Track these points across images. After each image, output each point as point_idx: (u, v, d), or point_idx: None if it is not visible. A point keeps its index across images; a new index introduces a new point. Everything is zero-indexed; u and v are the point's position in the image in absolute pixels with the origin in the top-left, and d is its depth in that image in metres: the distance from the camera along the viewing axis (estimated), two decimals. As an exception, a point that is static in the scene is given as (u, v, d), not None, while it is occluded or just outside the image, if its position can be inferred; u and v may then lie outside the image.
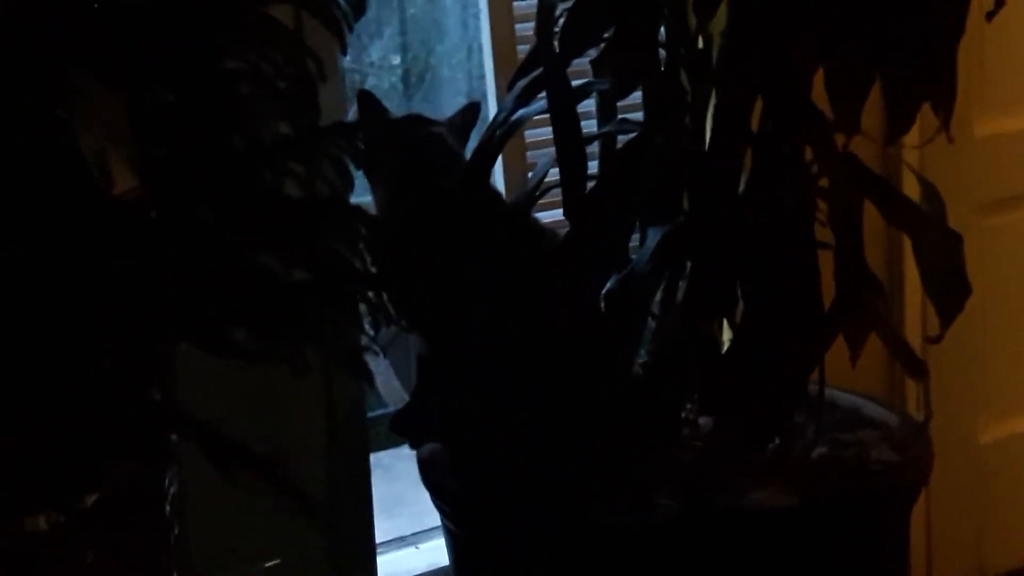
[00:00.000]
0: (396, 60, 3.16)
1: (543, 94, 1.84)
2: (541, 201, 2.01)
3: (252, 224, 1.49)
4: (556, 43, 1.82)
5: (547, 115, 1.83)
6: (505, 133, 1.85)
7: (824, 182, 1.80)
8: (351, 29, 1.59)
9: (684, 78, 1.86)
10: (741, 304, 1.85)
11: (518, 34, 2.29)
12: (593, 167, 1.87)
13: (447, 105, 2.87)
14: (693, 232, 1.82)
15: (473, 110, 2.02)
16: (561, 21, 1.80)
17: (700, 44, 1.84)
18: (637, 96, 1.90)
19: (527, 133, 2.27)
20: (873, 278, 1.86)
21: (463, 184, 1.90)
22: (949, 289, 1.82)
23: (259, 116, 1.53)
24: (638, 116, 1.91)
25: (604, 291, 1.83)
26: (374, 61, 3.15)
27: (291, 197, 1.55)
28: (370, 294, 1.60)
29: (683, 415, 1.95)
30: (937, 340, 1.84)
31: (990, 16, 1.74)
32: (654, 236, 1.82)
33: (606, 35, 1.81)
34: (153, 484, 1.54)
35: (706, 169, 1.83)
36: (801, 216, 1.80)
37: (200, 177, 1.46)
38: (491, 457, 1.87)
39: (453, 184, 1.89)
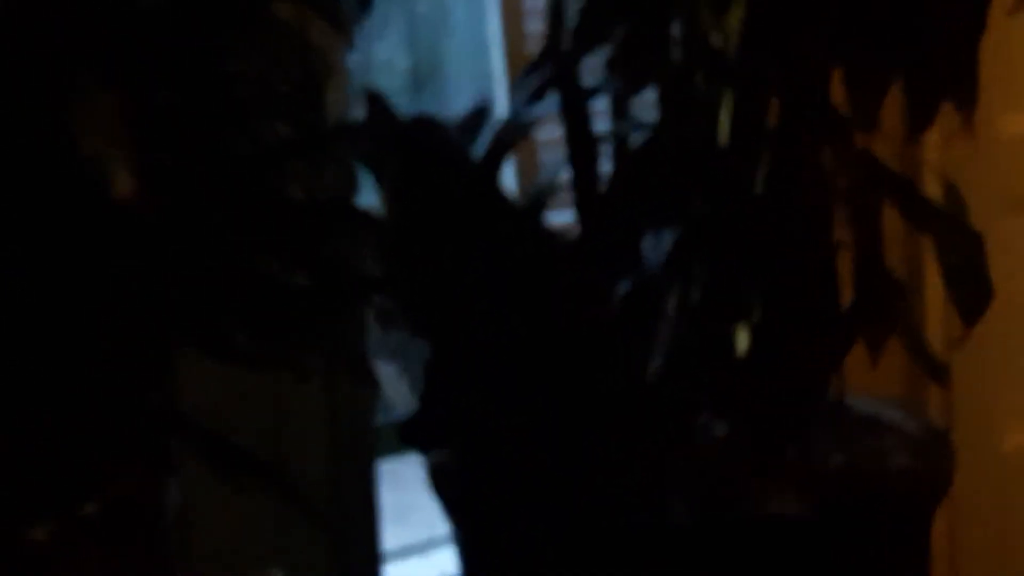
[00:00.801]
0: (404, 59, 3.14)
1: (554, 93, 1.82)
2: (553, 204, 1.99)
3: (255, 227, 1.47)
4: (567, 41, 1.79)
5: (558, 114, 1.81)
6: (515, 133, 1.83)
7: (842, 182, 1.77)
8: (357, 27, 1.56)
9: (699, 77, 1.83)
10: (758, 307, 1.83)
11: (528, 31, 2.27)
12: (606, 167, 1.86)
13: (456, 104, 2.85)
14: (708, 234, 1.80)
15: (482, 111, 1.99)
16: (572, 18, 1.77)
17: (715, 42, 1.81)
18: (651, 95, 1.88)
19: (539, 132, 2.24)
20: (893, 280, 1.84)
21: (472, 186, 1.87)
22: (971, 292, 1.80)
23: (262, 118, 1.51)
24: (652, 116, 1.88)
25: (617, 294, 1.81)
26: (382, 60, 3.13)
27: (295, 200, 1.52)
28: (376, 298, 1.58)
29: (698, 421, 1.92)
30: (959, 344, 1.82)
31: (1013, 10, 1.70)
32: (668, 238, 1.80)
33: (618, 32, 1.78)
34: (154, 492, 1.52)
35: (721, 169, 1.80)
36: (819, 217, 1.78)
37: (202, 180, 1.45)
38: (501, 464, 1.84)
39: (462, 186, 1.87)
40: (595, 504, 1.77)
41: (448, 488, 1.90)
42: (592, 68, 1.92)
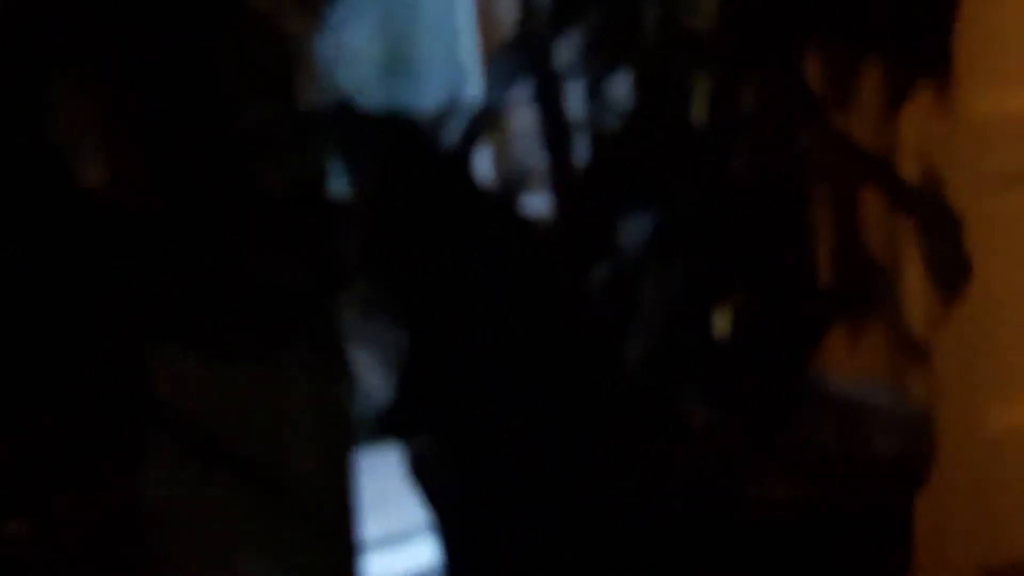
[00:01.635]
0: (376, 47, 3.13)
1: (528, 77, 1.81)
2: (528, 190, 1.98)
3: (231, 218, 1.46)
4: (540, 24, 1.78)
5: (532, 100, 1.80)
6: (488, 118, 1.82)
7: (820, 163, 1.77)
8: (328, 15, 1.55)
9: (674, 59, 1.82)
10: (737, 290, 1.82)
11: (502, 15, 2.25)
12: (581, 152, 1.85)
13: (428, 91, 2.83)
14: (686, 217, 1.79)
15: (452, 103, 1.98)
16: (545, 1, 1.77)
17: (690, 24, 1.80)
18: (626, 78, 1.87)
19: (513, 118, 2.23)
20: (872, 260, 1.85)
21: (445, 173, 1.86)
22: (950, 271, 1.80)
23: (236, 106, 1.50)
24: (627, 99, 1.87)
25: (595, 279, 1.80)
26: (354, 48, 3.11)
27: (268, 189, 1.51)
28: (352, 287, 1.57)
29: (680, 405, 1.92)
30: (939, 324, 1.82)
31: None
32: (645, 222, 1.79)
33: (592, 15, 1.77)
34: (132, 485, 1.52)
35: (698, 152, 1.79)
36: (797, 199, 1.78)
37: (175, 170, 1.44)
38: (480, 452, 1.84)
39: (435, 173, 1.86)
40: (576, 492, 1.76)
41: (426, 477, 1.89)
42: (566, 52, 1.91)
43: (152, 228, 1.42)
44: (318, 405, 2.10)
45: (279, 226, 1.47)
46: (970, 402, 2.62)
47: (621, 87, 1.91)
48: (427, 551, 2.19)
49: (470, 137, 1.84)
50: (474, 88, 2.28)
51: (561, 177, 1.79)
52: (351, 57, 3.06)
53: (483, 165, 2.27)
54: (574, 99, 1.89)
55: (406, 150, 1.85)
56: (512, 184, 1.93)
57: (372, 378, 1.98)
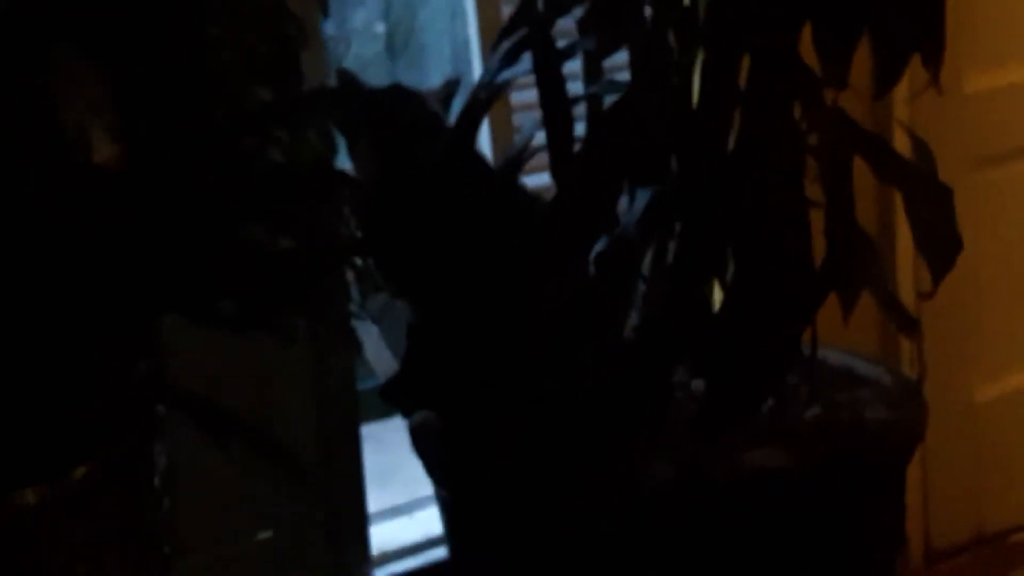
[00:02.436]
0: (380, 27, 3.14)
1: (528, 55, 1.82)
2: (529, 166, 1.99)
3: (237, 191, 1.48)
4: (540, 3, 1.80)
5: (532, 77, 1.81)
6: (490, 95, 1.83)
7: (813, 139, 1.79)
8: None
9: (671, 37, 1.83)
10: (732, 264, 1.84)
11: (502, -3, 2.26)
12: (580, 129, 1.86)
13: (432, 72, 2.85)
14: (682, 192, 1.81)
15: (454, 83, 2.00)
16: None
17: (686, 1, 1.82)
18: (624, 56, 1.89)
19: (513, 96, 2.25)
20: (864, 235, 1.85)
21: (448, 148, 1.88)
22: (940, 244, 1.82)
23: (241, 82, 1.51)
24: (625, 76, 1.89)
25: (593, 254, 1.82)
26: (358, 28, 3.12)
27: (275, 163, 1.53)
28: (357, 261, 1.58)
29: (676, 378, 1.94)
30: (929, 296, 1.84)
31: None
32: (643, 197, 1.80)
33: (591, -7, 1.79)
34: (142, 457, 1.53)
35: (694, 128, 1.81)
36: (791, 174, 1.78)
37: (183, 146, 1.45)
38: (482, 424, 1.86)
39: (438, 149, 1.88)
40: (576, 462, 1.78)
41: (430, 448, 1.91)
42: (566, 31, 1.93)
43: (158, 201, 1.43)
44: (325, 378, 2.12)
45: (284, 198, 1.48)
46: (958, 373, 2.64)
47: (619, 65, 1.93)
48: (432, 521, 2.22)
49: (472, 112, 1.85)
50: (476, 69, 2.30)
51: (560, 153, 1.80)
52: (356, 37, 3.09)
53: (485, 143, 2.30)
54: (574, 77, 1.91)
55: (409, 125, 1.87)
56: (513, 159, 1.94)
57: (378, 352, 2.01)
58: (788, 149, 1.79)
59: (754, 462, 1.77)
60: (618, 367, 1.81)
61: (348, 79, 1.88)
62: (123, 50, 1.40)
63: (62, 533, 1.41)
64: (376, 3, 3.11)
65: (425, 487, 2.04)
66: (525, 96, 2.21)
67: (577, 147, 1.82)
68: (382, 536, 2.28)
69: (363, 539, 2.19)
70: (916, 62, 1.78)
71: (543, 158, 1.85)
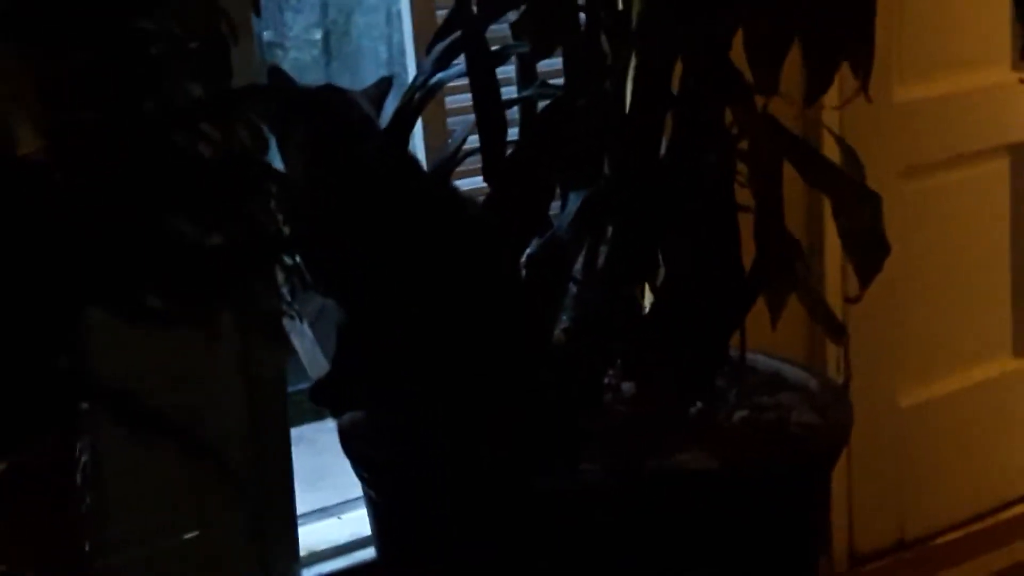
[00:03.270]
0: (317, 33, 3.13)
1: (462, 58, 1.82)
2: (462, 169, 2.00)
3: (164, 185, 1.46)
4: (474, 6, 1.80)
5: (466, 80, 1.82)
6: (423, 97, 1.83)
7: (744, 144, 1.80)
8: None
9: (604, 41, 1.85)
10: (662, 268, 1.85)
11: (438, 2, 2.26)
12: (514, 133, 1.87)
13: (368, 77, 2.84)
14: (614, 195, 1.82)
15: (387, 81, 2.00)
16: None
17: (620, 6, 1.83)
18: (558, 61, 1.89)
19: (447, 99, 2.25)
20: (793, 240, 1.87)
21: (380, 149, 1.88)
22: (868, 249, 1.84)
23: (171, 77, 1.50)
24: (559, 81, 1.90)
25: (525, 256, 1.82)
26: (295, 35, 3.12)
27: (203, 157, 1.52)
28: (285, 258, 1.57)
29: (606, 380, 1.95)
30: (856, 300, 1.86)
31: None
32: (575, 200, 1.82)
33: (525, -3, 1.80)
34: (62, 454, 1.51)
35: (627, 132, 1.82)
36: (721, 178, 1.80)
37: (112, 138, 1.43)
38: (412, 425, 1.85)
39: (370, 149, 1.87)
40: (506, 464, 1.78)
41: (359, 449, 1.91)
42: (500, 36, 1.94)
43: (82, 194, 1.41)
44: (255, 379, 2.11)
45: (211, 193, 1.47)
46: (884, 377, 2.68)
47: (553, 69, 1.94)
48: (360, 522, 2.21)
49: (404, 114, 1.85)
50: (411, 70, 2.29)
51: (493, 155, 1.80)
52: (293, 44, 3.08)
53: (419, 146, 2.30)
54: (509, 82, 1.92)
55: (340, 124, 1.87)
56: (446, 161, 1.95)
57: (310, 354, 2.00)
58: (719, 154, 1.81)
59: (682, 464, 1.78)
60: (548, 369, 1.81)
61: (279, 77, 1.88)
62: (50, 41, 1.38)
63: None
64: (314, 9, 3.10)
65: (356, 490, 2.03)
66: (460, 99, 2.22)
67: (511, 150, 1.82)
68: (310, 537, 2.27)
69: (291, 539, 2.18)
70: (847, 71, 1.81)
71: (477, 162, 1.85)
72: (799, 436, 1.88)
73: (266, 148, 1.57)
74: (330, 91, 1.94)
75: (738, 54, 1.75)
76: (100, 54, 1.41)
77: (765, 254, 1.79)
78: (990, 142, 2.75)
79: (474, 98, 1.80)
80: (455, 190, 1.98)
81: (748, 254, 1.80)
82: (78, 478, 1.52)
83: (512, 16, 1.87)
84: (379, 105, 1.97)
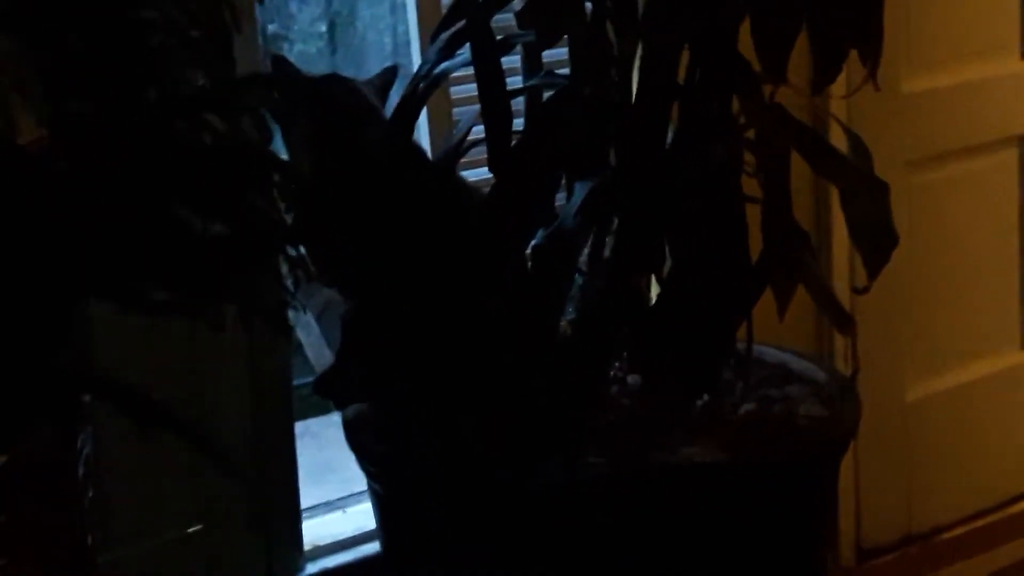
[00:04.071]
0: (322, 25, 3.13)
1: (467, 47, 1.81)
2: (467, 159, 1.99)
3: (166, 175, 1.45)
4: (479, -6, 1.79)
5: (471, 69, 1.81)
6: (428, 86, 1.82)
7: (751, 134, 1.79)
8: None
9: (610, 30, 1.83)
10: (669, 259, 1.84)
11: (442, -8, 2.25)
12: (520, 124, 1.86)
13: (373, 68, 2.83)
14: (620, 186, 1.81)
15: (392, 70, 1.99)
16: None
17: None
18: (563, 50, 1.88)
19: (452, 89, 2.24)
20: (800, 231, 1.86)
21: (386, 138, 1.87)
22: (876, 239, 1.83)
23: (173, 66, 1.49)
24: (564, 71, 1.89)
25: (531, 247, 1.81)
26: (301, 27, 3.11)
27: (206, 146, 1.50)
28: (289, 249, 1.56)
29: (612, 372, 1.94)
30: (864, 291, 1.85)
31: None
32: (581, 190, 1.80)
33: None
34: (65, 446, 1.50)
35: (633, 122, 1.81)
36: (728, 168, 1.79)
37: (114, 128, 1.42)
38: (417, 418, 1.85)
39: (375, 138, 1.86)
40: (511, 457, 1.77)
41: (363, 441, 1.90)
42: (505, 25, 1.92)
43: (85, 183, 1.41)
44: (260, 372, 2.10)
45: (214, 183, 1.46)
46: (892, 371, 2.66)
47: (558, 59, 1.93)
48: (365, 516, 2.21)
49: (409, 103, 1.84)
50: (416, 61, 2.28)
51: (499, 145, 1.79)
52: (299, 36, 3.07)
53: (424, 136, 2.29)
54: (514, 71, 1.91)
55: (345, 113, 1.86)
56: (451, 151, 1.93)
57: (318, 347, 1.99)
58: (726, 143, 1.79)
59: (688, 457, 1.78)
60: (554, 361, 1.80)
61: (283, 66, 1.87)
62: (52, 30, 1.38)
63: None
64: (319, 1, 3.10)
65: (361, 483, 2.02)
66: (465, 89, 2.20)
67: (516, 141, 1.81)
68: (315, 530, 2.26)
69: (295, 533, 2.18)
70: (855, 60, 1.79)
71: (482, 153, 1.83)
72: (807, 429, 1.87)
73: (270, 138, 1.56)
74: (334, 80, 1.93)
75: (745, 43, 1.74)
76: (101, 43, 1.40)
77: (772, 245, 1.78)
78: (998, 133, 2.74)
79: (479, 88, 1.79)
80: (460, 180, 1.97)
81: (755, 245, 1.79)
82: (80, 472, 1.52)
83: (517, 5, 1.86)
84: (384, 95, 1.96)
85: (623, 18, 1.82)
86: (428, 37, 1.97)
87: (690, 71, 1.78)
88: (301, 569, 2.19)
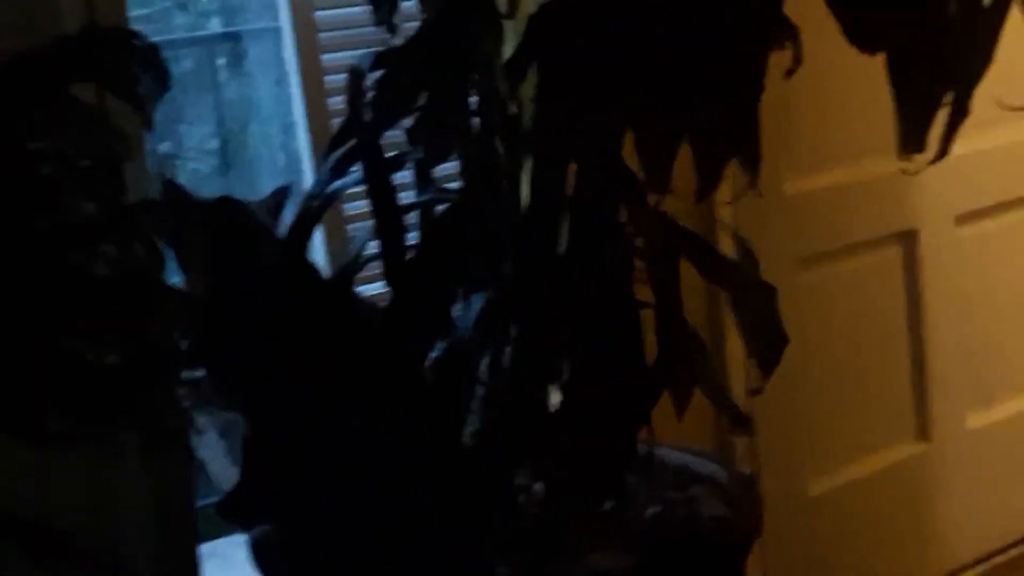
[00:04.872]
0: (214, 144, 3.14)
1: (359, 165, 1.83)
2: (365, 275, 1.99)
3: (61, 305, 1.45)
4: (368, 113, 1.81)
5: (364, 187, 1.83)
6: (321, 206, 1.84)
7: (640, 242, 1.82)
8: (157, 109, 1.56)
9: (498, 144, 1.86)
10: (567, 366, 1.86)
11: (331, 108, 2.28)
12: (415, 237, 1.87)
13: (266, 184, 2.85)
14: (516, 296, 1.82)
15: (284, 190, 2.00)
16: (372, 91, 1.79)
17: (512, 110, 1.85)
18: (454, 164, 1.91)
19: (347, 207, 2.26)
20: (694, 334, 1.89)
21: (279, 259, 1.87)
22: (766, 341, 1.86)
23: (64, 196, 1.49)
24: (456, 184, 1.91)
25: (430, 359, 1.82)
26: (193, 145, 3.12)
27: (100, 277, 1.50)
28: (189, 374, 1.56)
29: (517, 482, 1.94)
30: (758, 392, 1.87)
31: (789, 74, 1.79)
32: (477, 302, 1.82)
33: (418, 104, 1.81)
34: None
35: (525, 233, 1.83)
36: (620, 276, 1.81)
37: (3, 260, 1.42)
38: (323, 537, 1.83)
39: (269, 259, 1.86)
40: (421, 571, 1.76)
41: (271, 564, 1.87)
42: (396, 142, 1.95)
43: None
44: (163, 496, 2.07)
45: (108, 311, 1.45)
46: (793, 467, 2.69)
47: (450, 174, 1.96)
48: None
49: (302, 223, 1.85)
50: (309, 179, 2.30)
51: (393, 260, 1.81)
52: (191, 155, 3.08)
53: (319, 254, 2.30)
54: (405, 187, 1.92)
55: (238, 235, 1.86)
56: (346, 268, 1.94)
57: (224, 467, 1.96)
58: (616, 252, 1.82)
59: (595, 563, 1.78)
60: (458, 472, 1.80)
61: (174, 191, 1.87)
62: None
63: None
64: (210, 120, 3.11)
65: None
66: (360, 206, 2.22)
67: (411, 254, 1.83)
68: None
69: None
70: (739, 165, 1.84)
71: (379, 268, 1.85)
72: (711, 530, 1.88)
73: (162, 263, 1.56)
74: (226, 203, 1.93)
75: (630, 152, 1.78)
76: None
77: (667, 349, 1.80)
78: (881, 231, 2.82)
79: (372, 205, 1.81)
80: (355, 296, 1.97)
81: (652, 350, 1.81)
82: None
83: (407, 122, 1.89)
84: (276, 215, 1.97)
85: (510, 132, 1.85)
86: (320, 152, 1.99)
87: (578, 182, 1.81)
88: None
